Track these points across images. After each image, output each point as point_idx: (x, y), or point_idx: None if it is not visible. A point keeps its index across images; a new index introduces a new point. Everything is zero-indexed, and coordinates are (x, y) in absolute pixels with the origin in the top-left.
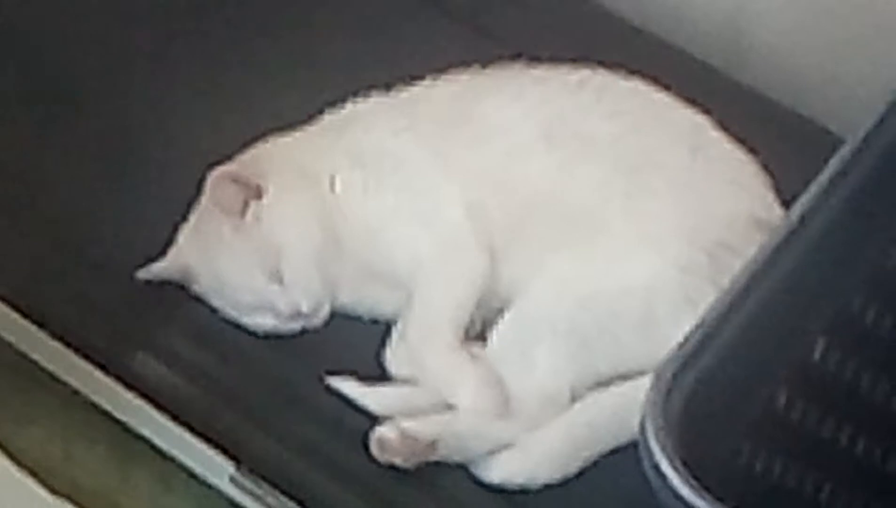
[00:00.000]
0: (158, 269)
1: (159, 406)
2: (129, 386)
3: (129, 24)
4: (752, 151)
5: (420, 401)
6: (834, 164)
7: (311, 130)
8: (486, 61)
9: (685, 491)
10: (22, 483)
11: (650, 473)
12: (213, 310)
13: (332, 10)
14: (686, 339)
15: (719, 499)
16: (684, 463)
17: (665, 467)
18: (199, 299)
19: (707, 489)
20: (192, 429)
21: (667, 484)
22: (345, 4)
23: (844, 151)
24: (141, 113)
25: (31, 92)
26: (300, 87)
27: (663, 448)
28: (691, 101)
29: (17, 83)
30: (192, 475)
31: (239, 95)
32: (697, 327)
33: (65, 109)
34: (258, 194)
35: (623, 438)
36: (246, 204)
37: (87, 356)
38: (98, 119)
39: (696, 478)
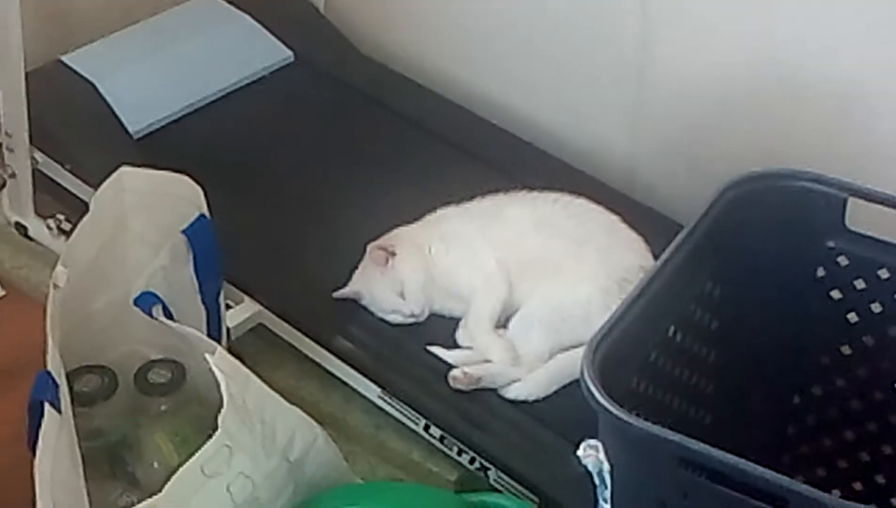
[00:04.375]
0: (343, 292)
1: (345, 360)
2: (330, 350)
3: (331, 152)
4: (639, 232)
5: (474, 358)
6: (677, 239)
7: (419, 223)
8: (508, 189)
9: (604, 402)
10: (274, 399)
11: (586, 394)
12: (370, 313)
13: (429, 164)
14: (603, 325)
15: (624, 408)
16: (604, 388)
17: (594, 390)
18: (363, 307)
19: (618, 402)
20: (362, 372)
21: (595, 400)
22: (430, 163)
23: (683, 233)
24: (336, 211)
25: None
26: (415, 202)
27: (592, 380)
28: (610, 208)
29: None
30: (361, 395)
31: (384, 207)
32: (609, 319)
33: (284, 198)
34: (393, 254)
35: (576, 376)
36: (387, 260)
37: (308, 334)
38: (314, 210)
39: (610, 396)
